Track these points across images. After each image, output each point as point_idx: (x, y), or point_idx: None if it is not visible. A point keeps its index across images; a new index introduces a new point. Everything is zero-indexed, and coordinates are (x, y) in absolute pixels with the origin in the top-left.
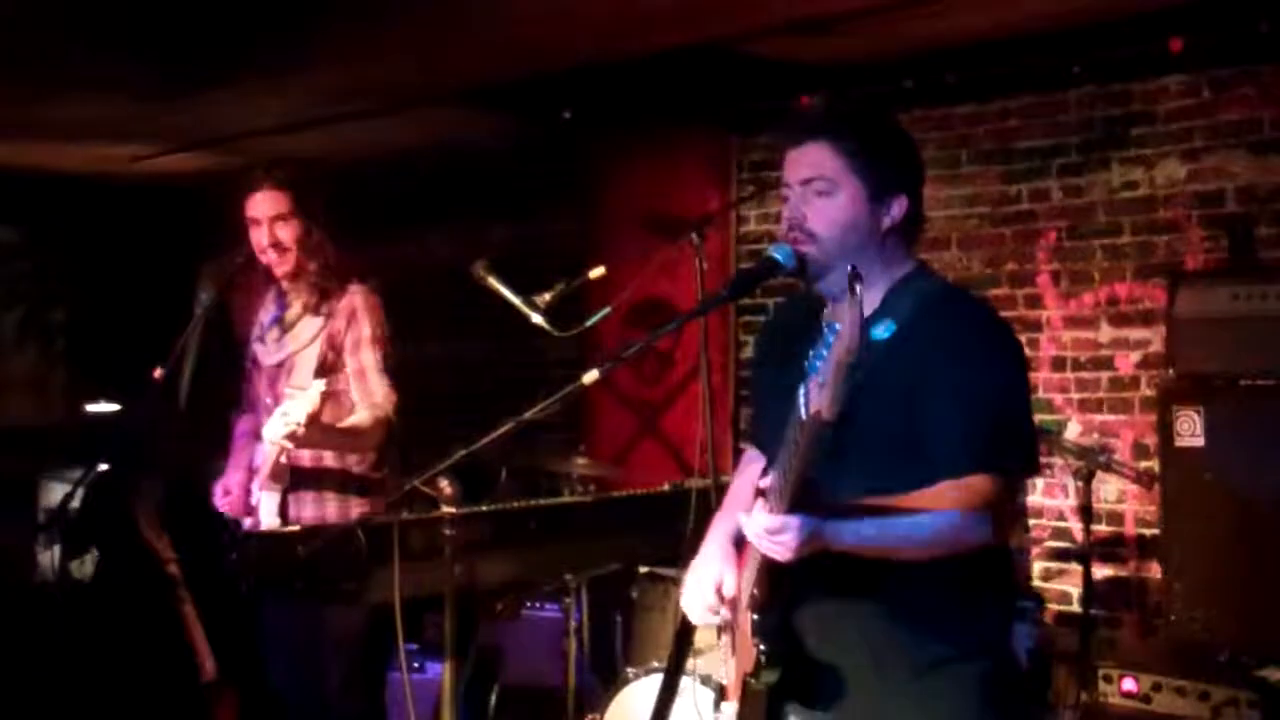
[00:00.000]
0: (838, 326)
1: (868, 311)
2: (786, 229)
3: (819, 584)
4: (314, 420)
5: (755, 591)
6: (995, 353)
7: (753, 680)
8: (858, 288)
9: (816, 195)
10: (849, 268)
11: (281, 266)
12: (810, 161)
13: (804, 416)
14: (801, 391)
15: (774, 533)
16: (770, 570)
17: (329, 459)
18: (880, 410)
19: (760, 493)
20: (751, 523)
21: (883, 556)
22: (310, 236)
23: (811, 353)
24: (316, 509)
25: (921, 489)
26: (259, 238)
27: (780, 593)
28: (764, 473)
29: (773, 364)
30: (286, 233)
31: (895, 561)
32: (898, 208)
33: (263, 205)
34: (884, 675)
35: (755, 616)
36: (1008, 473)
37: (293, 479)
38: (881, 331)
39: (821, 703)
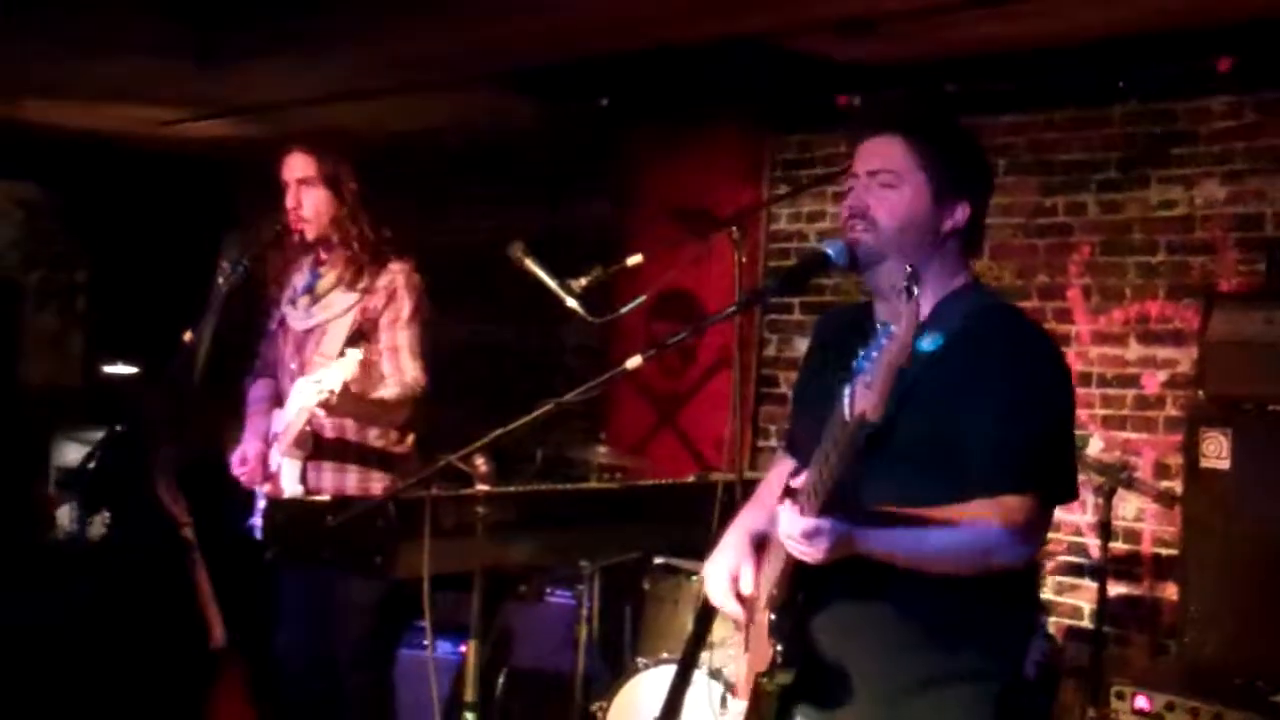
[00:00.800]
0: (892, 328)
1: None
2: (847, 215)
3: (841, 587)
4: (346, 388)
5: (774, 590)
6: (1044, 374)
7: (765, 680)
8: (915, 290)
9: (881, 186)
10: (907, 267)
11: (303, 230)
12: (881, 153)
13: (847, 417)
14: (846, 391)
15: (808, 535)
16: (793, 571)
17: (350, 431)
18: (918, 420)
19: (790, 491)
20: (784, 523)
21: (912, 568)
22: (339, 206)
23: (861, 352)
24: (336, 479)
25: (954, 503)
26: (288, 201)
27: (800, 593)
28: (795, 473)
29: (814, 370)
30: (310, 197)
31: (920, 572)
32: (961, 212)
33: (291, 167)
34: (897, 684)
35: (773, 616)
36: (1046, 496)
37: (315, 449)
38: (928, 344)
39: (831, 705)
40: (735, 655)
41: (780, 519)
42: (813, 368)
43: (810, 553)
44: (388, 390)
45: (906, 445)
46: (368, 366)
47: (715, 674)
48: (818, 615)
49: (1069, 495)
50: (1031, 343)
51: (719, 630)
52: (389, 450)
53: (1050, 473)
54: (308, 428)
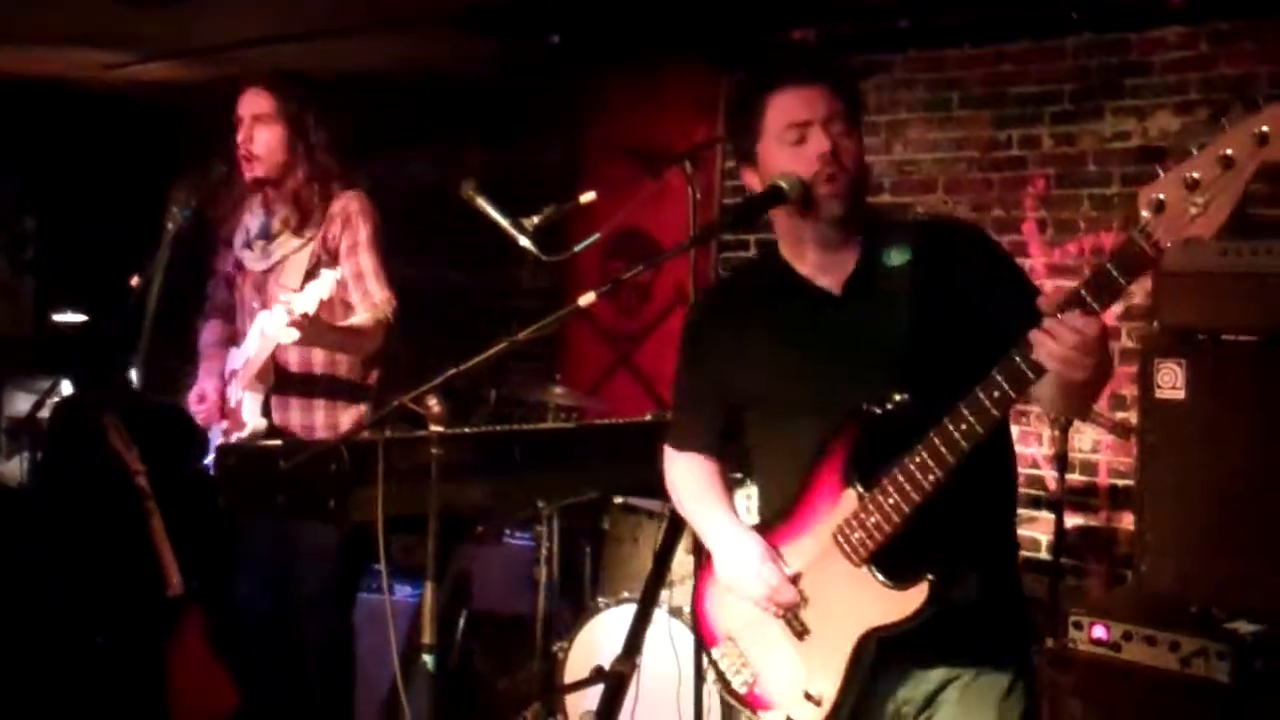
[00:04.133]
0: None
1: (850, 261)
2: (821, 165)
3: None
4: (317, 317)
5: None
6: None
7: None
8: None
9: (840, 135)
10: None
11: (254, 169)
12: (823, 102)
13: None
14: None
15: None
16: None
17: (318, 364)
18: (934, 332)
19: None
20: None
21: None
22: (295, 147)
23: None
24: (304, 415)
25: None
26: (239, 136)
27: None
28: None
29: (722, 355)
30: (263, 135)
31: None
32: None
33: (247, 103)
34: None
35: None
36: None
37: (280, 385)
38: (897, 258)
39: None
40: (739, 658)
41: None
42: (718, 352)
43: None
44: (359, 317)
45: (937, 361)
46: (342, 287)
47: (675, 612)
48: None
49: None
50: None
51: (679, 569)
52: (357, 382)
53: None
54: (270, 360)
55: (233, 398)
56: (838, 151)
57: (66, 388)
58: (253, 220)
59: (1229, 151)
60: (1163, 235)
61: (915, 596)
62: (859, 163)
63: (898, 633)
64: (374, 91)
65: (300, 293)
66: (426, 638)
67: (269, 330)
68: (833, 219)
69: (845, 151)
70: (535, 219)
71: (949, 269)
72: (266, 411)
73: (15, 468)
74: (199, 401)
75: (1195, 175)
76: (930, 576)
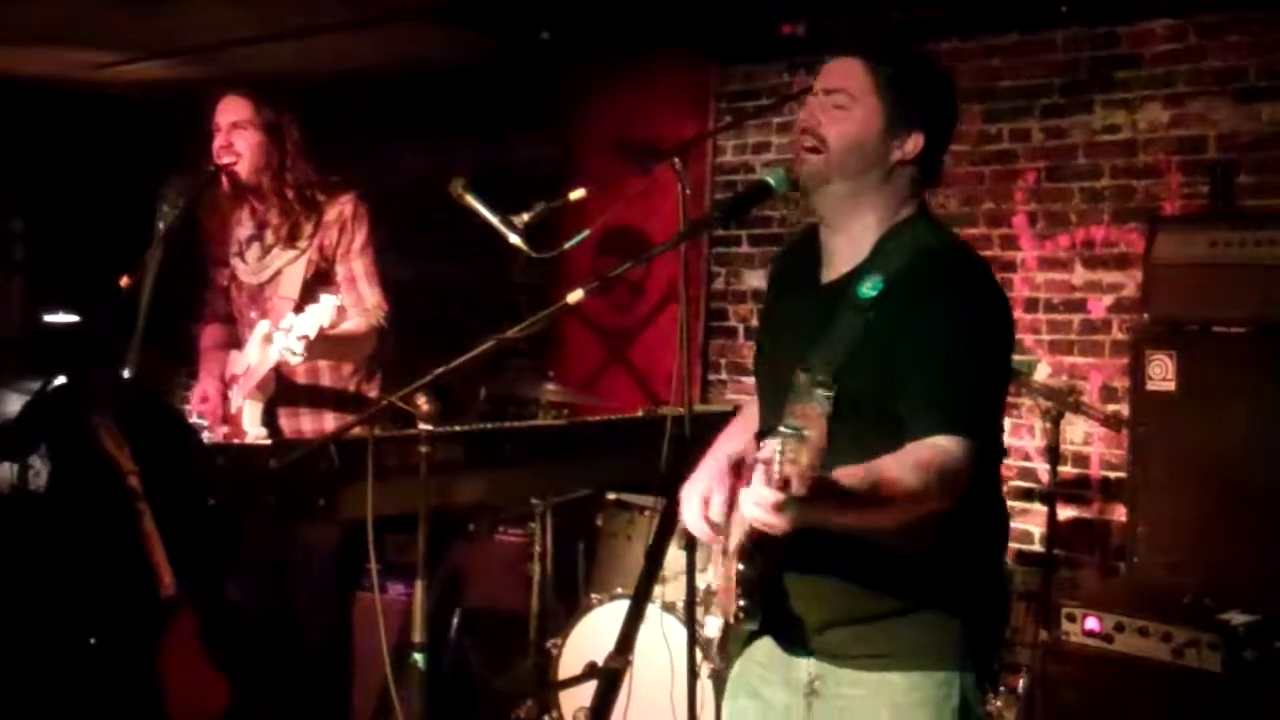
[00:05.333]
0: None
1: (858, 258)
2: (799, 132)
3: (804, 541)
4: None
5: (744, 540)
6: (962, 307)
7: (733, 624)
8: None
9: (835, 107)
10: None
11: (234, 171)
12: (839, 72)
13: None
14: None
15: (776, 507)
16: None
17: (324, 372)
18: (867, 376)
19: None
20: (749, 494)
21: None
22: (276, 154)
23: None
24: (315, 422)
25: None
26: (216, 142)
27: (762, 550)
28: (760, 436)
29: (769, 310)
30: (243, 141)
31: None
32: (913, 143)
33: (224, 110)
34: (861, 615)
35: (740, 566)
36: (973, 438)
37: (289, 394)
38: (868, 290)
39: (796, 645)
40: (713, 562)
41: (743, 494)
42: (768, 306)
43: (775, 527)
44: (353, 323)
45: (859, 401)
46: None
47: (669, 607)
48: (784, 562)
49: (967, 431)
50: (966, 291)
51: (672, 565)
52: (362, 392)
53: (977, 416)
54: (271, 372)
55: (234, 404)
56: (815, 124)
57: (57, 388)
58: (242, 232)
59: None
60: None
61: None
62: (849, 138)
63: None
64: (364, 88)
65: (302, 315)
66: (417, 636)
67: (273, 351)
68: (808, 201)
69: (829, 122)
70: (525, 216)
71: (894, 324)
72: (269, 420)
73: (7, 470)
74: (202, 401)
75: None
76: (741, 601)
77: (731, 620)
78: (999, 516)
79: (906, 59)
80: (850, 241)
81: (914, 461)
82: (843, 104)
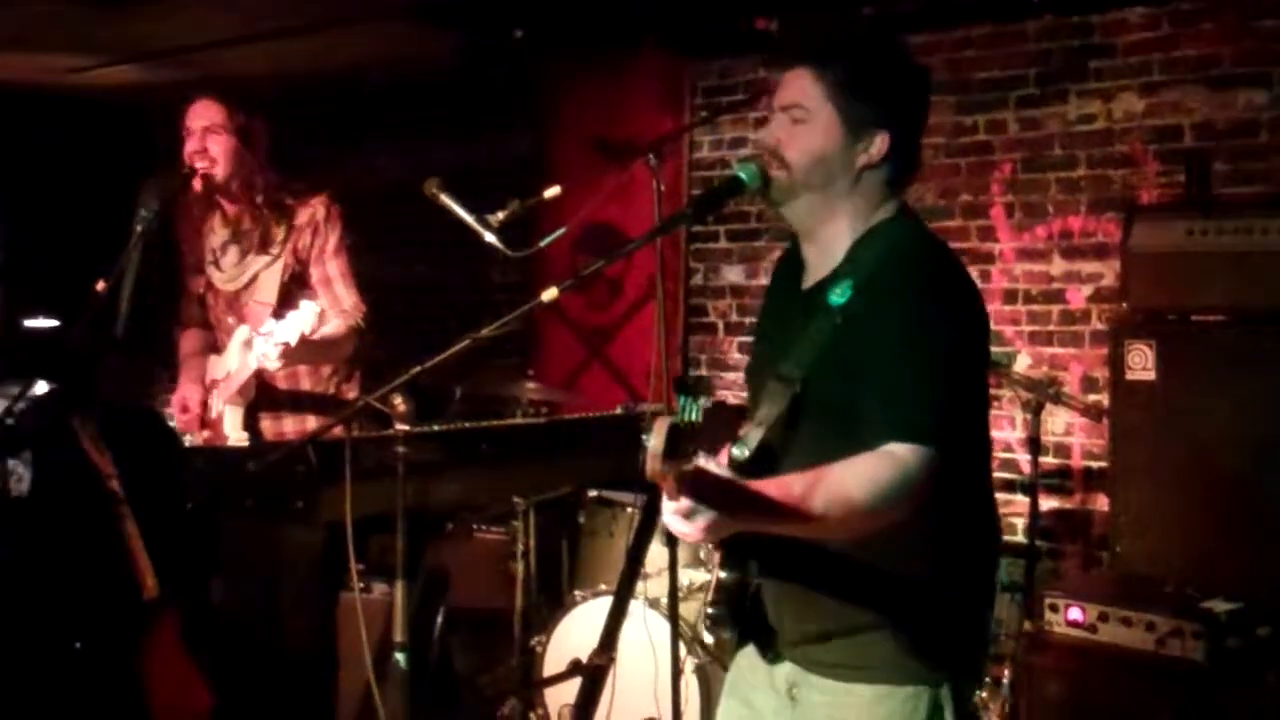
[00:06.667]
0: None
1: (832, 265)
2: (763, 153)
3: (778, 550)
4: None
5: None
6: (925, 312)
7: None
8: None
9: (793, 122)
10: None
11: (209, 173)
12: (792, 87)
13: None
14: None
15: (684, 515)
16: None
17: (304, 374)
18: (831, 385)
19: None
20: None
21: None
22: (247, 159)
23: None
24: (297, 424)
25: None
26: (189, 147)
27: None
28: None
29: (761, 312)
30: (217, 145)
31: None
32: (880, 143)
33: (197, 114)
34: (827, 629)
35: (721, 573)
36: (930, 447)
37: (271, 398)
38: (838, 296)
39: (772, 655)
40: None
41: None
42: (759, 317)
43: (687, 534)
44: (331, 326)
45: (825, 410)
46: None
47: (652, 603)
48: (761, 570)
49: (927, 440)
50: (930, 295)
51: (654, 561)
52: (341, 393)
53: (937, 423)
54: (252, 377)
55: (214, 408)
56: (774, 143)
57: (39, 393)
58: (215, 239)
59: None
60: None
61: None
62: (810, 153)
63: None
64: (338, 88)
65: (283, 321)
66: (399, 635)
67: (252, 357)
68: (780, 215)
69: (789, 139)
70: (500, 215)
71: (859, 330)
72: (249, 425)
73: None
74: (182, 410)
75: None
76: (710, 610)
77: (703, 627)
78: (982, 526)
79: (861, 56)
80: (824, 249)
81: (860, 470)
82: (800, 118)
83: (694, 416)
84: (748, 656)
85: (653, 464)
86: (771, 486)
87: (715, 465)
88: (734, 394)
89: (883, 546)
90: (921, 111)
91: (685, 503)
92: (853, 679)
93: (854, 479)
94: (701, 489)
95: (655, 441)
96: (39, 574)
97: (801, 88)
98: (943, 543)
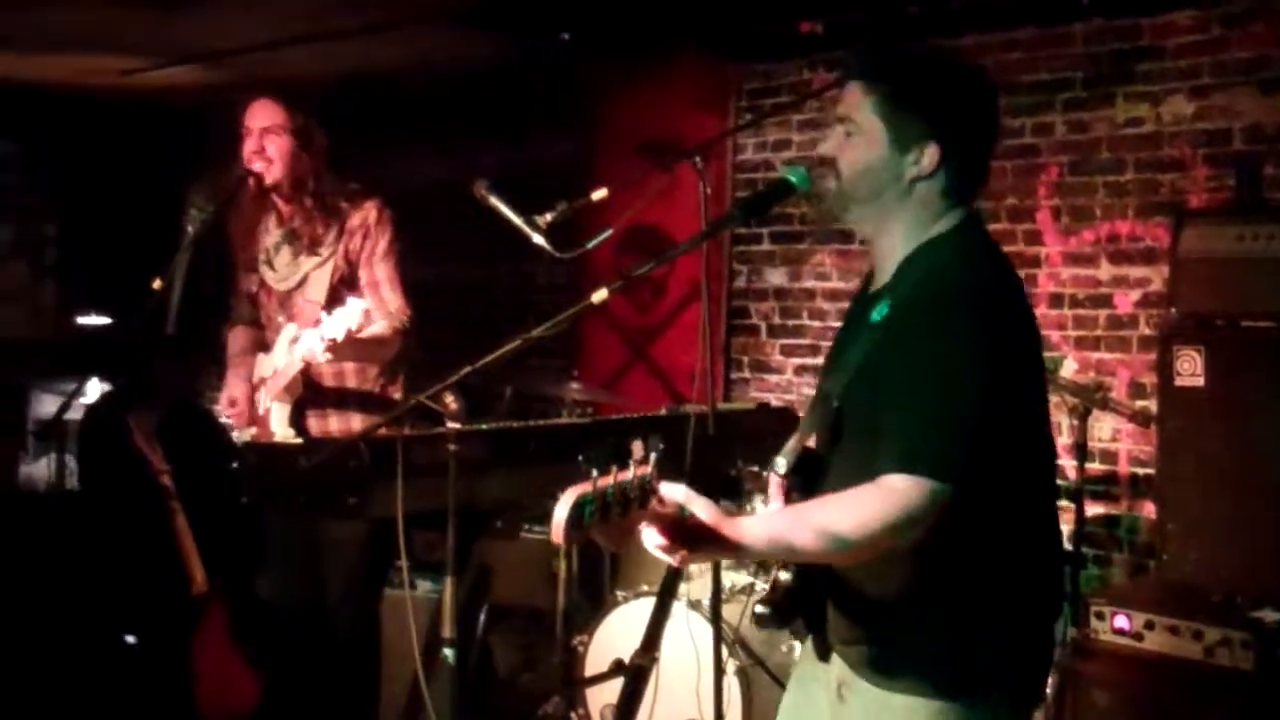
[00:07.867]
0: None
1: (885, 279)
2: (817, 162)
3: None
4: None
5: None
6: (946, 342)
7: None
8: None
9: (846, 135)
10: None
11: (264, 175)
12: (846, 100)
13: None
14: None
15: (661, 550)
16: None
17: (350, 374)
18: (864, 401)
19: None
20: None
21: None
22: (305, 160)
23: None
24: (342, 422)
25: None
26: (247, 147)
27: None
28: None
29: (847, 317)
30: (274, 146)
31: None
32: (929, 156)
33: (256, 115)
34: (863, 641)
35: (782, 573)
36: (934, 476)
37: (317, 396)
38: (878, 314)
39: (826, 652)
40: None
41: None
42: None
43: (673, 561)
44: (378, 326)
45: (859, 427)
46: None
47: (694, 605)
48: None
49: (945, 476)
50: (956, 322)
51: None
52: (387, 394)
53: (944, 456)
54: (299, 374)
55: (261, 405)
56: (828, 153)
57: (92, 390)
58: (269, 239)
59: None
60: None
61: None
62: (858, 166)
63: None
64: (386, 91)
65: (330, 317)
66: (446, 632)
67: (299, 351)
68: (841, 221)
69: (842, 152)
70: (548, 216)
71: (888, 351)
72: (296, 421)
73: (44, 469)
74: (230, 406)
75: None
76: (758, 609)
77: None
78: (1036, 548)
79: (909, 70)
80: (882, 261)
81: (848, 505)
82: (850, 131)
83: (609, 495)
84: (808, 648)
85: (555, 534)
86: (758, 523)
87: (701, 506)
88: (776, 396)
89: (921, 561)
90: (977, 121)
91: (660, 541)
92: (889, 688)
93: (843, 515)
94: (672, 532)
95: (560, 511)
96: (90, 568)
97: (853, 102)
98: (986, 563)
